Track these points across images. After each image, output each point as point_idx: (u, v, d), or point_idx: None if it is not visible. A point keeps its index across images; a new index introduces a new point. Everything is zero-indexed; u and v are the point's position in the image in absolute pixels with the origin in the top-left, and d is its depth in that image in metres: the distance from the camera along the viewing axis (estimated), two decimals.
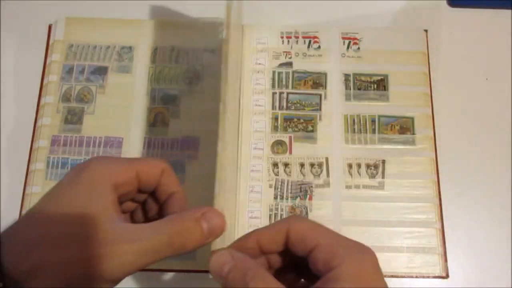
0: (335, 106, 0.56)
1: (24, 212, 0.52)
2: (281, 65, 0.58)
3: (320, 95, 0.57)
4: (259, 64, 0.58)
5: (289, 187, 0.54)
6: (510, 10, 0.62)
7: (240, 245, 0.30)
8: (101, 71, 0.57)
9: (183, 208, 0.32)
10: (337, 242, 0.27)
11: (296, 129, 0.55)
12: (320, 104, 0.56)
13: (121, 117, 0.55)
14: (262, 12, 0.61)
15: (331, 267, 0.25)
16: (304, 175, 0.54)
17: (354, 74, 0.57)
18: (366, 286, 0.25)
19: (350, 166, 0.54)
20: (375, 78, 0.57)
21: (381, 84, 0.57)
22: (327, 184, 0.54)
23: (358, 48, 0.58)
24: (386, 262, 0.51)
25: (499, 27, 0.62)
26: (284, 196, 0.53)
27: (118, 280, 0.26)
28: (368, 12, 0.62)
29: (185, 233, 0.28)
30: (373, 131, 0.55)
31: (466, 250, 0.52)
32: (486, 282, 0.51)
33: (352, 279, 0.25)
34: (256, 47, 0.58)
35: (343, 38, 0.59)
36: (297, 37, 0.59)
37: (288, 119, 0.56)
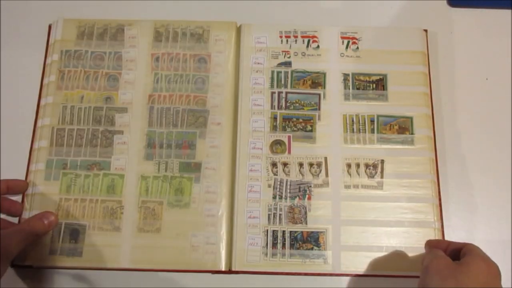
0: (334, 106, 0.56)
1: (24, 211, 0.52)
2: (280, 64, 0.58)
3: (319, 94, 0.57)
4: (258, 63, 0.58)
5: (288, 186, 0.53)
6: (510, 10, 0.62)
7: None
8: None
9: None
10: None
11: (295, 128, 0.55)
12: (319, 103, 0.56)
13: None
14: (261, 12, 0.61)
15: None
16: (303, 175, 0.54)
17: (353, 74, 0.57)
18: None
19: (349, 166, 0.54)
20: (374, 78, 0.57)
21: (380, 83, 0.57)
22: (326, 183, 0.54)
23: (357, 48, 0.58)
24: (385, 262, 0.51)
25: (499, 27, 0.62)
26: (283, 196, 0.53)
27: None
28: (368, 12, 0.62)
29: (37, 226, 0.49)
30: (372, 131, 0.55)
31: None
32: None
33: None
34: (254, 46, 0.58)
35: (342, 37, 0.59)
36: (296, 37, 0.59)
37: (287, 119, 0.56)
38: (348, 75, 0.57)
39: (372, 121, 0.55)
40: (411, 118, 0.55)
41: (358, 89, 0.57)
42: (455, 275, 0.40)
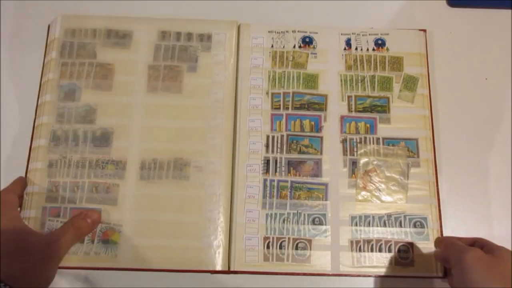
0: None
1: (23, 210, 0.52)
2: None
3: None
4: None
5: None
6: (510, 10, 0.62)
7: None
8: None
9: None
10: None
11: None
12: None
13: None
14: (261, 11, 0.61)
15: None
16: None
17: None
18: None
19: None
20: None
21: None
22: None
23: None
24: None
25: (499, 27, 0.61)
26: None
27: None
28: (367, 12, 0.62)
29: (82, 226, 0.49)
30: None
31: None
32: None
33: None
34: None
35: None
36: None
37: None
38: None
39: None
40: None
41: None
42: (496, 266, 0.40)
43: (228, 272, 0.51)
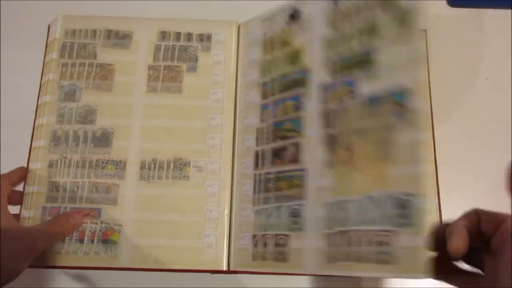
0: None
1: (23, 210, 0.52)
2: None
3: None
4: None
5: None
6: (510, 10, 0.62)
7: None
8: None
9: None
10: None
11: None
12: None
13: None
14: (261, 11, 0.61)
15: None
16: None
17: None
18: None
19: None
20: None
21: None
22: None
23: None
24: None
25: (499, 27, 0.61)
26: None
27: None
28: None
29: (63, 225, 0.49)
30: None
31: None
32: None
33: None
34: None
35: None
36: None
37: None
38: None
39: None
40: None
41: None
42: None
43: (228, 272, 0.51)
